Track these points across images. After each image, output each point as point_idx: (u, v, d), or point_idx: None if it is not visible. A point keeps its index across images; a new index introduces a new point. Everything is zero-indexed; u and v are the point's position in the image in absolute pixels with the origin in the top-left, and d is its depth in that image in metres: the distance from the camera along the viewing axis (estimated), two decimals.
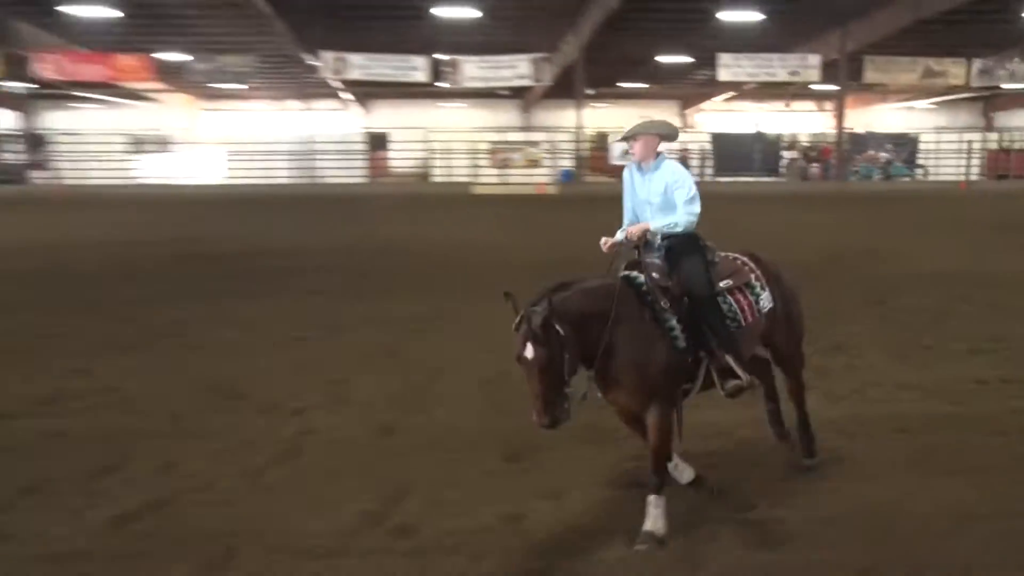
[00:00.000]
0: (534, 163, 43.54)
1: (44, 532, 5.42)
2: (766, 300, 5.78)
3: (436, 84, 38.15)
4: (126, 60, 36.66)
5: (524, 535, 5.28)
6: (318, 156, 44.40)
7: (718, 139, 46.05)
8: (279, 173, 43.22)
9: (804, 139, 48.18)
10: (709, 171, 44.00)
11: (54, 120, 45.78)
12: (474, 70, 37.66)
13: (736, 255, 5.93)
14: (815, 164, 45.40)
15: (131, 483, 6.12)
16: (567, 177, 40.78)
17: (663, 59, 41.83)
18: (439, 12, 32.16)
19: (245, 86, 42.36)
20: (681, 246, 5.60)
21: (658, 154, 5.70)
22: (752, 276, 5.79)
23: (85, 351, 9.80)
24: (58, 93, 41.26)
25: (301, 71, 42.07)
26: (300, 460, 6.50)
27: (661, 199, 5.60)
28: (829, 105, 50.25)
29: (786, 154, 46.53)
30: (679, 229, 5.55)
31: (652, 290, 5.33)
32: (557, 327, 4.80)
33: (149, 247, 18.87)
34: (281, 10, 31.53)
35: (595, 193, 31.13)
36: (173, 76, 38.99)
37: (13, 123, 44.39)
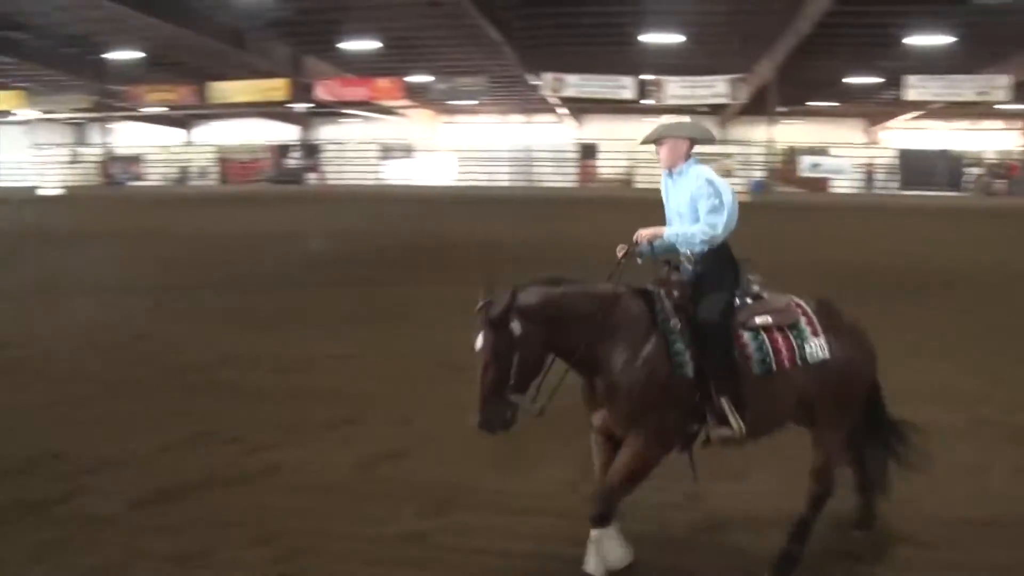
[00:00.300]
0: (728, 174, 42.49)
1: (302, 467, 5.75)
2: (816, 349, 4.35)
3: (642, 101, 37.85)
4: (382, 83, 38.55)
5: None
6: (535, 163, 45.04)
7: (904, 155, 43.50)
8: (502, 177, 44.14)
9: (990, 156, 44.74)
10: (895, 185, 41.70)
11: (325, 132, 48.50)
12: (676, 89, 37.12)
13: (795, 298, 4.52)
14: (1001, 180, 42.12)
15: (370, 434, 6.39)
16: (758, 188, 39.52)
17: (851, 80, 39.82)
18: (646, 38, 31.93)
19: (476, 102, 43.39)
20: (711, 268, 4.44)
21: (689, 159, 4.52)
22: (802, 319, 4.41)
23: (332, 323, 10.27)
24: (330, 111, 43.80)
25: (524, 89, 42.68)
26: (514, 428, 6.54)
27: (688, 208, 4.46)
28: (1019, 123, 46.42)
29: (972, 170, 43.37)
30: (696, 241, 4.40)
31: (665, 308, 4.27)
32: (514, 324, 3.97)
33: (390, 237, 19.65)
34: (510, 38, 32.16)
35: (784, 203, 30.05)
36: (418, 94, 40.60)
37: (295, 135, 47.49)
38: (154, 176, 47.56)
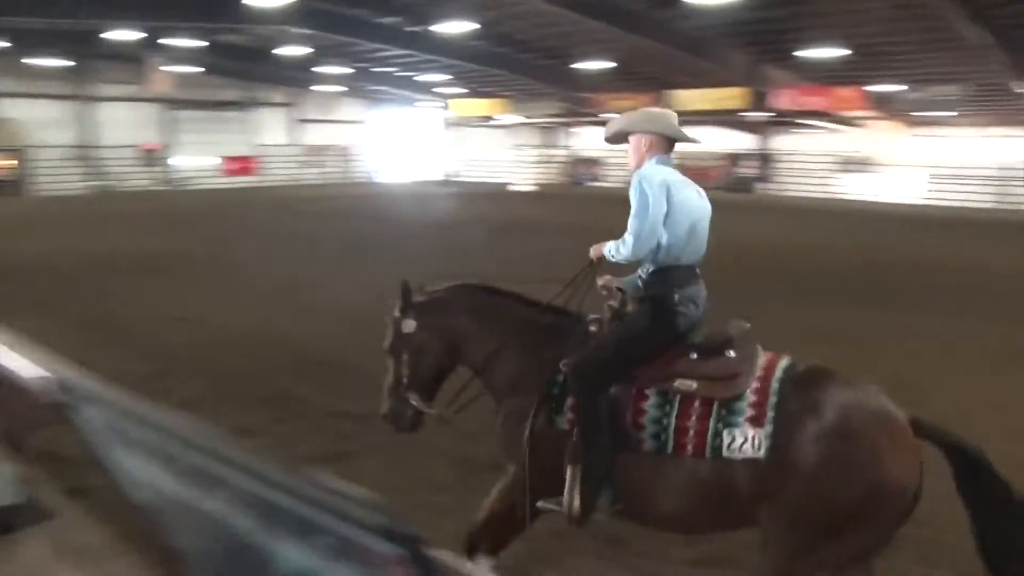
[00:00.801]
0: None
1: None
2: (741, 441, 3.35)
3: None
4: (843, 92, 37.96)
5: None
6: (1018, 182, 41.07)
7: None
8: (979, 196, 40.91)
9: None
10: None
11: (780, 142, 48.69)
12: None
13: (778, 363, 3.54)
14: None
15: None
16: None
17: None
18: None
19: (953, 113, 40.63)
20: (641, 300, 3.80)
21: (652, 158, 3.99)
22: (750, 396, 3.43)
23: (783, 341, 10.55)
24: (786, 120, 44.00)
25: (1009, 98, 39.14)
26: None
27: None
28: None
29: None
30: (611, 257, 3.84)
31: (570, 343, 3.75)
32: (406, 322, 3.87)
33: (841, 253, 19.45)
34: (1002, 42, 29.83)
35: None
36: (882, 105, 39.19)
37: (750, 144, 48.46)
38: (612, 178, 51.10)
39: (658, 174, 3.91)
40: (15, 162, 40.29)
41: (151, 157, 44.72)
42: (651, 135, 4.02)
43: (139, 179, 43.98)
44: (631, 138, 4.05)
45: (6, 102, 40.14)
